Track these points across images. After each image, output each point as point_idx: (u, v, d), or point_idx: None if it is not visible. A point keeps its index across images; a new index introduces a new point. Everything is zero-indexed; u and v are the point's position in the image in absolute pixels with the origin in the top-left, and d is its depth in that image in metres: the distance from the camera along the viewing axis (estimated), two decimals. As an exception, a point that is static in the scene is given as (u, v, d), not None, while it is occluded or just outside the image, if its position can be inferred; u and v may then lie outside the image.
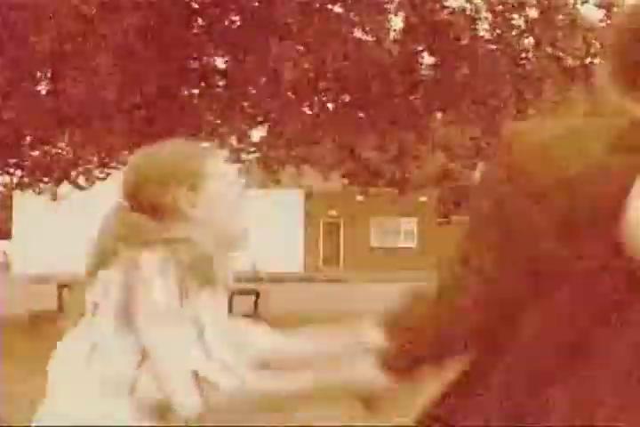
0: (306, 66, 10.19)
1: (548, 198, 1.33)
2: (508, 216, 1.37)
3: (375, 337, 1.59)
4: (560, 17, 9.22)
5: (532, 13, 9.55)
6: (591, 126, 1.40)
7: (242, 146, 14.23)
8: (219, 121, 13.19)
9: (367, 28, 9.54)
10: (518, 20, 9.72)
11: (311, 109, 11.35)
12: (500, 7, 9.63)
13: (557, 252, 1.34)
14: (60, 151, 14.60)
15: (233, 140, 14.22)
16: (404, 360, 1.55)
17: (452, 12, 9.49)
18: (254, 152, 14.29)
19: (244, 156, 14.89)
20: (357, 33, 9.87)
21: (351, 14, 9.70)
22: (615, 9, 9.24)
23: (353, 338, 1.74)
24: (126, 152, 14.24)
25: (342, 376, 1.73)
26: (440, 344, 1.51)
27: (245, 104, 11.60)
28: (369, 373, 1.61)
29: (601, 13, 9.48)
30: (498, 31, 9.86)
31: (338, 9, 10.03)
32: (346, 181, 13.27)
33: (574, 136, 1.38)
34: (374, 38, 9.63)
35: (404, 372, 1.56)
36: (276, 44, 9.09)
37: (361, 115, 11.10)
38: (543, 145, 1.37)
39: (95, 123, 11.03)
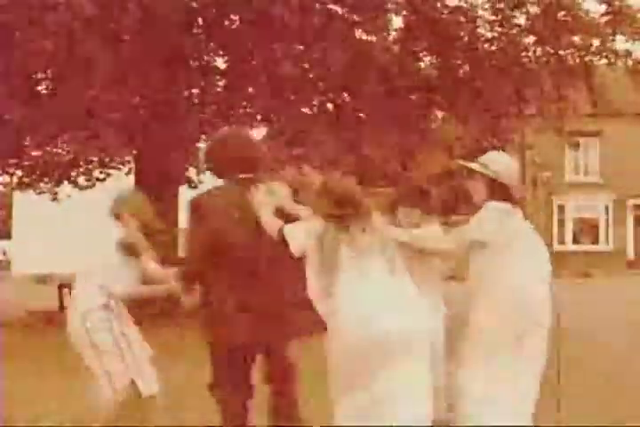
0: (306, 66, 10.19)
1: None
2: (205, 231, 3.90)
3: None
4: (562, 13, 9.19)
5: (533, 10, 9.52)
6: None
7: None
8: (219, 121, 13.19)
9: (368, 28, 9.53)
10: (519, 18, 9.70)
11: (311, 109, 11.35)
12: (501, 5, 9.62)
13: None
14: (60, 151, 14.59)
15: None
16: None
17: (453, 11, 9.49)
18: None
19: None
20: (357, 33, 9.86)
21: (352, 15, 9.70)
22: (617, 3, 9.20)
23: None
24: (126, 152, 14.24)
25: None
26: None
27: (245, 104, 11.59)
28: None
29: (601, 9, 9.44)
30: (498, 29, 9.85)
31: (338, 9, 10.02)
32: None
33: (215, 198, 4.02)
34: (375, 38, 9.62)
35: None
36: (276, 44, 9.08)
37: (361, 115, 11.11)
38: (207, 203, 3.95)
39: (95, 123, 11.02)
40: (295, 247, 3.59)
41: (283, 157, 12.55)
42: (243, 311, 3.78)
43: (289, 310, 3.92)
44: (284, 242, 3.62)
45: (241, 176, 3.99)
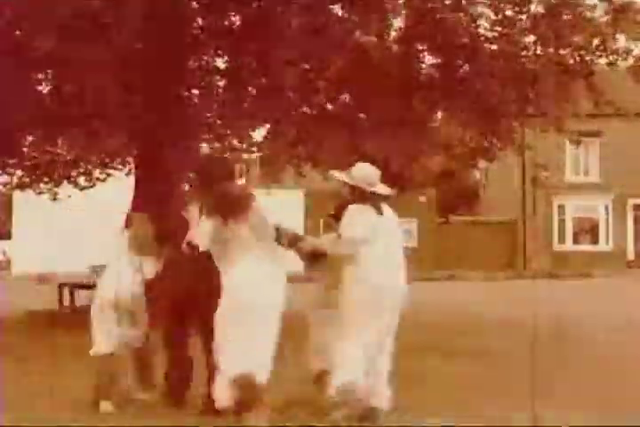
0: (307, 66, 10.19)
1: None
2: None
3: None
4: (566, 12, 9.15)
5: (536, 9, 9.49)
6: None
7: (243, 146, 14.22)
8: (219, 121, 13.18)
9: (368, 28, 9.52)
10: (522, 18, 9.68)
11: (311, 109, 11.34)
12: (502, 5, 9.59)
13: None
14: (60, 151, 14.58)
15: (234, 141, 14.22)
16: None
17: (453, 10, 9.47)
18: (255, 152, 14.28)
19: (244, 156, 14.89)
20: (357, 33, 9.85)
21: (352, 15, 9.68)
22: (618, 1, 9.16)
23: None
24: (126, 152, 14.24)
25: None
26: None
27: (246, 104, 11.58)
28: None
29: (601, 8, 9.40)
30: (498, 29, 9.83)
31: (338, 10, 10.01)
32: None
33: None
34: (375, 38, 9.61)
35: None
36: (276, 45, 9.07)
37: (361, 115, 11.09)
38: None
39: (96, 123, 11.01)
40: (200, 245, 4.81)
41: (286, 156, 12.51)
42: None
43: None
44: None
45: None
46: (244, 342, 4.62)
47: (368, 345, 4.91)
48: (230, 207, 4.83)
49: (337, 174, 5.19)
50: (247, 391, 4.61)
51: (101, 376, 5.46)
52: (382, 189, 5.17)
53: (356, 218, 4.96)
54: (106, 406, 5.36)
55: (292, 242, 5.26)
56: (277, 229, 5.15)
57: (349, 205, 5.01)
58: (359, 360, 4.88)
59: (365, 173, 5.12)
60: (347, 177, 5.11)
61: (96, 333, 5.54)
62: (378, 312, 4.90)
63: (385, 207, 5.16)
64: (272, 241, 4.98)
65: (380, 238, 4.98)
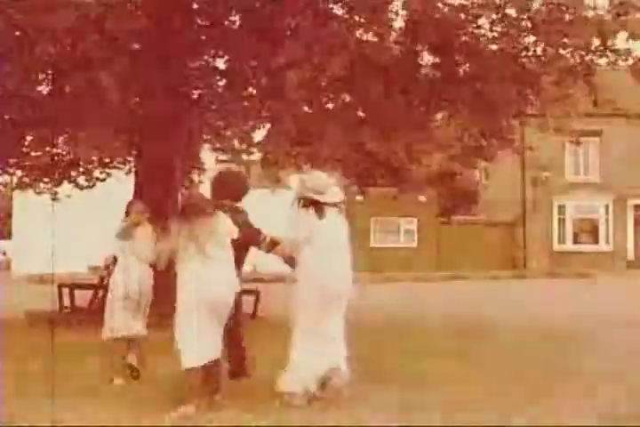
0: (307, 66, 10.15)
1: None
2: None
3: None
4: (566, 12, 9.14)
5: (537, 9, 9.46)
6: None
7: (243, 146, 14.21)
8: (220, 122, 13.18)
9: (369, 28, 9.51)
10: (522, 18, 9.66)
11: (311, 109, 11.33)
12: (502, 3, 9.57)
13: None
14: (60, 151, 14.58)
15: (234, 141, 14.21)
16: None
17: (453, 10, 9.45)
18: (254, 152, 14.27)
19: (244, 156, 14.87)
20: (358, 32, 9.83)
21: (353, 15, 9.68)
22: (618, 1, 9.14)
23: None
24: (126, 153, 14.24)
25: None
26: None
27: (246, 104, 11.58)
28: None
29: (602, 8, 9.39)
30: (498, 29, 9.82)
31: (339, 9, 10.01)
32: (346, 181, 13.20)
33: None
34: (375, 38, 9.60)
35: None
36: (279, 46, 9.06)
37: (361, 114, 11.09)
38: None
39: (96, 123, 11.01)
40: (158, 266, 6.01)
41: (284, 156, 12.50)
42: None
43: None
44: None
45: None
46: (192, 334, 5.43)
47: (318, 339, 5.62)
48: (182, 213, 5.61)
49: (292, 181, 6.23)
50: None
51: (114, 356, 6.70)
52: (329, 197, 5.83)
53: (298, 222, 5.77)
54: (119, 381, 6.47)
55: (270, 247, 6.03)
56: (259, 234, 5.96)
57: (297, 209, 5.82)
58: (306, 366, 5.54)
59: (315, 184, 5.81)
60: (299, 185, 5.89)
61: (108, 320, 6.78)
62: (321, 311, 5.64)
63: (330, 212, 5.81)
64: (230, 247, 5.67)
65: (320, 241, 5.68)
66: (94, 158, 14.91)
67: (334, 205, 5.87)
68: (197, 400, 5.30)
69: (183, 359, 5.40)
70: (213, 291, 5.42)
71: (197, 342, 5.38)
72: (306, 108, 10.97)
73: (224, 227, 5.68)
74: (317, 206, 5.77)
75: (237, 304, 6.09)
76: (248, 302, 11.46)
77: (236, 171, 7.75)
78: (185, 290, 5.46)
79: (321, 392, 5.56)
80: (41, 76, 11.19)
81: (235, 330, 6.24)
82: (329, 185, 5.88)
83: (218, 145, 15.24)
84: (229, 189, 6.34)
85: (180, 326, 5.46)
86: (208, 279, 5.42)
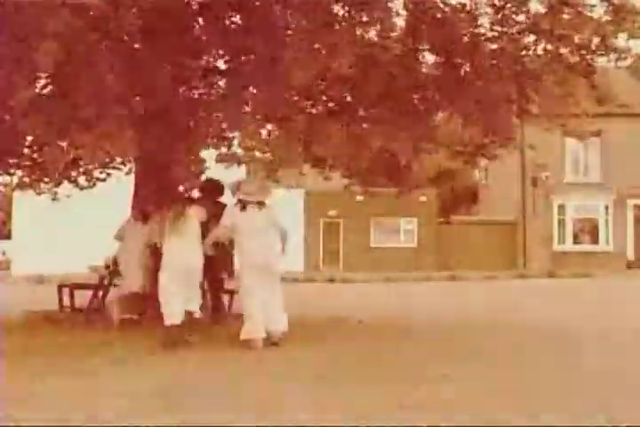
0: (312, 66, 10.13)
1: None
2: None
3: None
4: (566, 11, 9.13)
5: (536, 7, 9.46)
6: None
7: (243, 146, 14.20)
8: (220, 122, 13.15)
9: (369, 28, 9.50)
10: (521, 17, 9.65)
11: (313, 108, 11.31)
12: (502, 3, 9.56)
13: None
14: (60, 151, 14.54)
15: (235, 141, 14.19)
16: None
17: (453, 9, 9.45)
18: (255, 152, 14.26)
19: (245, 156, 14.86)
20: (357, 32, 9.82)
21: (356, 14, 9.66)
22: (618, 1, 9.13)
23: None
24: (126, 153, 14.22)
25: None
26: None
27: (246, 104, 11.56)
28: None
29: (602, 6, 9.37)
30: (498, 28, 9.81)
31: (340, 9, 9.99)
32: (346, 181, 13.21)
33: None
34: (376, 38, 9.59)
35: None
36: (283, 47, 9.03)
37: (362, 114, 11.08)
38: None
39: (96, 124, 10.99)
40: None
41: (283, 156, 12.47)
42: None
43: None
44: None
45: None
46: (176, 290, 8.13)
47: (258, 296, 8.07)
48: (170, 207, 8.59)
49: (229, 186, 8.43)
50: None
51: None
52: (254, 197, 8.22)
53: (226, 213, 8.27)
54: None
55: (213, 229, 8.57)
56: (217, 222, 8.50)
57: (228, 205, 8.48)
58: (255, 312, 7.97)
59: (248, 188, 8.24)
60: (235, 189, 8.28)
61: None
62: (253, 276, 8.06)
63: (251, 207, 8.18)
64: (198, 227, 8.40)
65: (242, 227, 8.13)
66: (94, 158, 14.87)
67: (257, 202, 8.21)
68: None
69: (165, 318, 7.95)
70: (184, 257, 8.12)
71: (175, 305, 7.96)
72: (308, 109, 10.96)
73: (196, 214, 8.42)
74: (242, 203, 8.20)
75: (213, 266, 9.13)
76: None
77: (215, 179, 10.67)
78: (165, 259, 8.14)
79: (267, 335, 7.90)
80: (41, 76, 11.17)
81: (213, 286, 9.97)
82: (260, 188, 8.36)
83: (218, 145, 15.22)
84: (209, 191, 10.11)
85: (162, 291, 8.06)
86: (180, 250, 8.13)
